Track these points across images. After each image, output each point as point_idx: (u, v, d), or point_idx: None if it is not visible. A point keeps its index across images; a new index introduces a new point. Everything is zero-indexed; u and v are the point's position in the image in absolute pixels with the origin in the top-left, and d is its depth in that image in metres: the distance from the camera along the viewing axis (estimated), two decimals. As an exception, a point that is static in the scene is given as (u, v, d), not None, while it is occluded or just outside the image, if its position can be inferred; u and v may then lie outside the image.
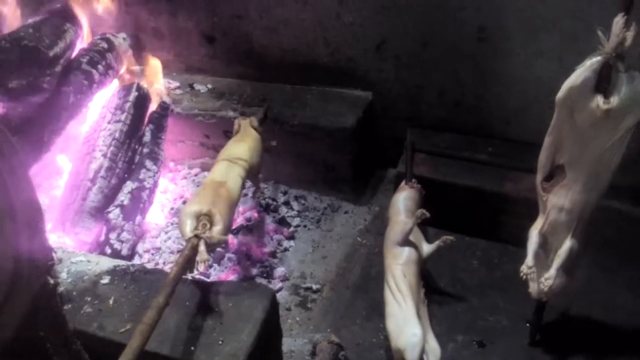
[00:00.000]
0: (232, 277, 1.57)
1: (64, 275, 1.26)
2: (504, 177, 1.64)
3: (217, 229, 1.18)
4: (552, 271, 1.18)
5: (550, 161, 1.15)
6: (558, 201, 1.16)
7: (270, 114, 1.77)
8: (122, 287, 1.22)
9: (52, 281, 0.84)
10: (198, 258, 1.12)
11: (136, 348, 0.92)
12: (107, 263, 1.31)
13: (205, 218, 1.20)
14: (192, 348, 1.08)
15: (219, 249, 1.61)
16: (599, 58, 1.00)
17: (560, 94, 1.05)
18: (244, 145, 1.48)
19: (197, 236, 1.14)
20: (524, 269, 1.20)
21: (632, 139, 1.05)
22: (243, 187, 1.42)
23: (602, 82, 1.02)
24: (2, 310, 0.73)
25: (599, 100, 1.02)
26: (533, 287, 1.24)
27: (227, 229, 1.25)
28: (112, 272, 1.27)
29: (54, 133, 1.55)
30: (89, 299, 1.20)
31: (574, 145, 1.09)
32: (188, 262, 1.12)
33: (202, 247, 1.13)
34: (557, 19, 1.53)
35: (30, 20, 1.60)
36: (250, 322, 1.11)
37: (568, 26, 1.52)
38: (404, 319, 1.26)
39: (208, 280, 1.54)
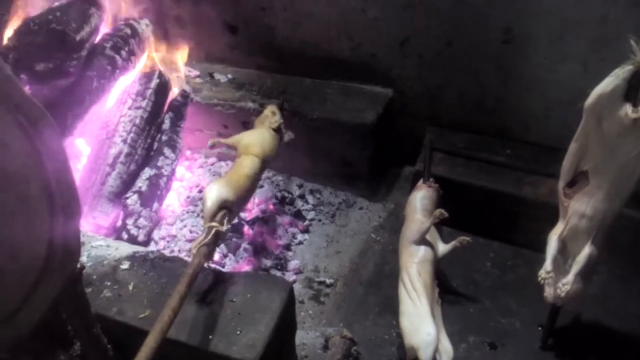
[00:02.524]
0: (247, 268, 1.58)
1: (84, 259, 1.28)
2: (521, 180, 1.64)
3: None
4: (570, 277, 1.18)
5: (574, 167, 1.15)
6: (580, 207, 1.16)
7: (287, 106, 1.77)
8: (141, 273, 1.24)
9: (78, 265, 0.85)
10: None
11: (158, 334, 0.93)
12: (126, 249, 1.32)
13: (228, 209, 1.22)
14: (210, 337, 1.09)
15: (235, 240, 1.63)
16: (629, 67, 1.00)
17: (589, 101, 1.05)
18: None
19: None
20: (542, 273, 1.20)
21: (658, 149, 1.05)
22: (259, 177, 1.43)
23: (632, 91, 1.02)
24: (34, 293, 0.74)
25: (628, 109, 1.02)
26: (549, 292, 1.25)
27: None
28: (132, 257, 1.28)
29: (77, 117, 1.55)
30: (108, 283, 1.22)
31: (600, 152, 1.09)
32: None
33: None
34: (584, 23, 1.52)
35: (57, 3, 1.60)
36: (268, 314, 1.12)
37: (594, 31, 1.51)
38: (419, 318, 1.27)
39: (224, 270, 1.55)
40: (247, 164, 1.34)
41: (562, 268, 1.22)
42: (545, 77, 1.63)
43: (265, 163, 1.42)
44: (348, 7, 1.77)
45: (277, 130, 1.51)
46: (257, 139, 1.43)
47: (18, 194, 0.68)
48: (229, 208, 1.21)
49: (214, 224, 1.15)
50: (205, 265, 1.23)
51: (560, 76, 1.61)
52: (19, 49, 1.43)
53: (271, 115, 1.54)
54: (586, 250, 1.17)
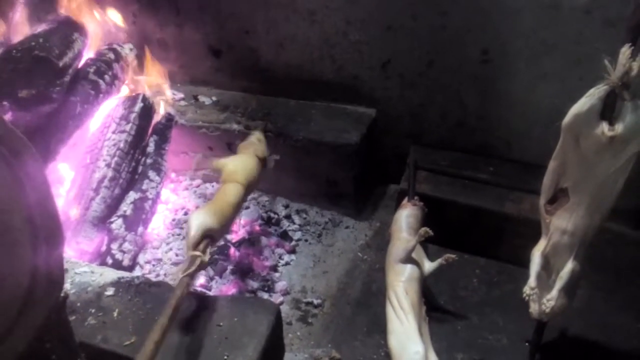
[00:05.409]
0: (233, 291, 1.57)
1: (67, 286, 1.27)
2: (504, 197, 1.66)
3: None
4: (554, 292, 1.19)
5: (555, 185, 1.17)
6: (561, 224, 1.17)
7: (271, 129, 1.79)
8: (126, 300, 1.23)
9: (62, 293, 0.84)
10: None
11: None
12: (111, 274, 1.31)
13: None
14: (197, 362, 1.08)
15: (221, 262, 1.62)
16: (605, 86, 1.02)
17: (566, 120, 1.07)
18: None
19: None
20: (526, 289, 1.21)
21: (634, 165, 1.08)
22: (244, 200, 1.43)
23: (608, 109, 1.04)
24: (17, 324, 0.73)
25: (604, 127, 1.04)
26: (534, 308, 1.25)
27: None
28: (117, 283, 1.27)
29: (60, 142, 1.55)
30: (93, 310, 1.20)
31: (578, 169, 1.11)
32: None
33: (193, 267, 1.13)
34: (559, 43, 1.56)
35: (39, 30, 1.60)
36: (256, 337, 1.12)
37: (570, 51, 1.55)
38: (406, 336, 1.27)
39: (210, 293, 1.54)
40: (232, 192, 1.34)
41: (546, 284, 1.23)
42: (524, 96, 1.67)
43: (249, 190, 1.42)
44: (330, 31, 1.80)
45: (263, 159, 1.53)
46: (241, 166, 1.43)
47: (0, 226, 0.67)
48: (212, 236, 1.21)
49: (197, 253, 1.14)
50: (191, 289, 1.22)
51: (538, 95, 1.65)
52: (1, 76, 1.42)
53: (257, 142, 1.55)
54: (569, 266, 1.19)
